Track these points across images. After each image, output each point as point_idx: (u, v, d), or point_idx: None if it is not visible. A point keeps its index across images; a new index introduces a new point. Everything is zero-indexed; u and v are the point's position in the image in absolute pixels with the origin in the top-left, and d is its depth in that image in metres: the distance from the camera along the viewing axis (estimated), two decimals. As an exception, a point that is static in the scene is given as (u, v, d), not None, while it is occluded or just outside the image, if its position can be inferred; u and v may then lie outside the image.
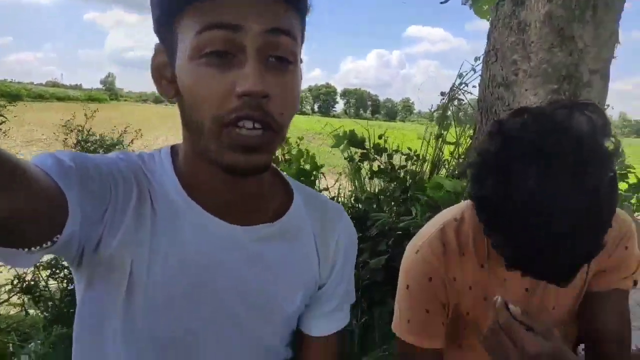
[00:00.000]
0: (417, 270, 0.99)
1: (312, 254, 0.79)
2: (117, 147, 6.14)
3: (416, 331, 0.99)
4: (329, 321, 0.83)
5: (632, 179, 2.75)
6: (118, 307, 0.65)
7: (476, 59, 2.74)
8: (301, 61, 0.69)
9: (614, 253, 1.00)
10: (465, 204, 1.04)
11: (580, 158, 0.72)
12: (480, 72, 2.55)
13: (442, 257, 0.98)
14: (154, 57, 0.67)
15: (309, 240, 0.79)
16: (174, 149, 0.74)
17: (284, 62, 0.62)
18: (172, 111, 0.81)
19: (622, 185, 2.70)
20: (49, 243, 0.54)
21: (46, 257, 2.37)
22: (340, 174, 3.55)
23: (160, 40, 0.66)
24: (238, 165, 0.62)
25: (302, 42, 0.68)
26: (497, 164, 0.77)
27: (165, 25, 0.63)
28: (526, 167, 0.73)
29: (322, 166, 3.06)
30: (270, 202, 0.76)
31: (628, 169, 2.76)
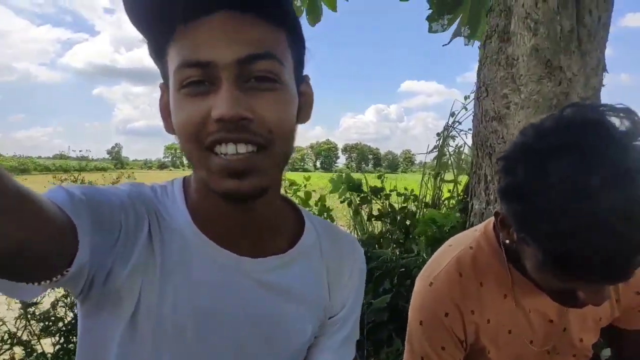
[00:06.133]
0: (431, 305, 0.91)
1: (323, 284, 0.77)
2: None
3: None
4: (338, 355, 0.80)
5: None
6: (118, 337, 0.64)
7: (466, 97, 2.78)
8: (308, 78, 0.70)
9: None
10: (478, 232, 0.96)
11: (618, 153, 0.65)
12: (472, 110, 2.58)
13: (459, 288, 0.90)
14: (161, 97, 0.68)
15: (320, 270, 0.77)
16: (185, 181, 0.73)
17: (266, 82, 0.60)
18: (176, 175, 0.81)
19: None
20: (58, 276, 0.53)
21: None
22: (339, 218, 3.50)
23: (161, 76, 0.66)
24: (230, 191, 0.60)
25: (298, 56, 0.66)
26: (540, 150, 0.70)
27: (157, 61, 0.64)
28: (562, 157, 0.66)
29: (331, 210, 3.02)
30: (281, 231, 0.74)
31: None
